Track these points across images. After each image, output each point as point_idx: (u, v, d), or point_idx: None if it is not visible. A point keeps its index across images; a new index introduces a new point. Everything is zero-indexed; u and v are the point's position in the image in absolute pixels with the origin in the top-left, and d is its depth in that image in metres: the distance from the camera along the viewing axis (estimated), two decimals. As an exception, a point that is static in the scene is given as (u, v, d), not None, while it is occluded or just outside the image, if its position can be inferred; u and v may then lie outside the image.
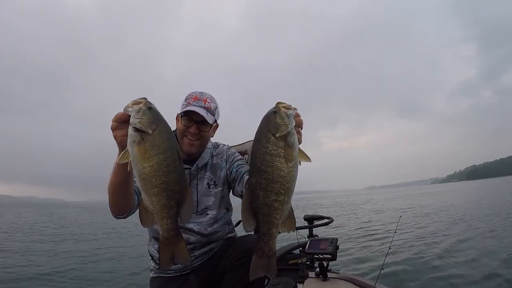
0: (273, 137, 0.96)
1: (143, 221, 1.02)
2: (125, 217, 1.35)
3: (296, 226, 1.13)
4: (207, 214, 1.62)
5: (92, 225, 15.71)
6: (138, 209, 1.26)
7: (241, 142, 2.22)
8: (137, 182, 1.00)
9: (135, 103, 0.99)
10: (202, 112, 1.51)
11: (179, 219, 1.03)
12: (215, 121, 1.63)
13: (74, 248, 8.29)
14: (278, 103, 1.01)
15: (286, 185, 0.97)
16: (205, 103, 1.56)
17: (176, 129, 1.63)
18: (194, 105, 1.54)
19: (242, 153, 1.98)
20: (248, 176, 1.45)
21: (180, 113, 1.57)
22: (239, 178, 1.56)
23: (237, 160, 1.68)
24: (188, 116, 1.54)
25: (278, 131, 0.96)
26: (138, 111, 0.96)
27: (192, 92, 1.60)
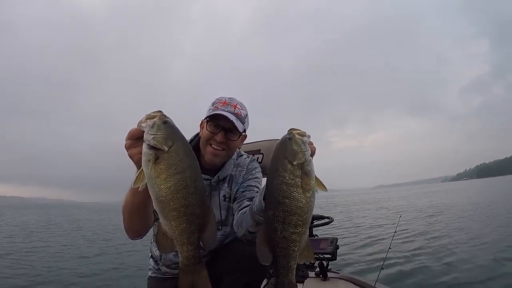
0: (290, 165, 0.92)
1: (161, 247, 0.93)
2: (141, 238, 1.24)
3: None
4: (219, 229, 1.48)
5: (98, 224, 15.80)
6: (153, 228, 1.15)
7: (254, 140, 2.10)
8: (154, 205, 0.90)
9: (149, 117, 0.89)
10: (231, 117, 1.35)
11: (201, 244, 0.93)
12: (245, 130, 1.46)
13: (74, 246, 8.35)
14: (292, 129, 0.97)
15: (304, 216, 0.92)
16: (235, 109, 1.40)
17: (198, 135, 1.49)
18: (223, 110, 1.37)
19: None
20: (244, 205, 1.35)
21: (205, 118, 1.40)
22: (238, 200, 1.43)
23: (251, 179, 1.49)
24: (214, 122, 1.38)
25: (296, 158, 0.92)
26: (152, 126, 0.87)
27: (220, 97, 1.44)
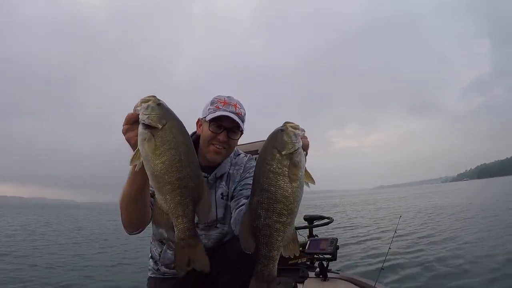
0: (278, 155, 0.93)
1: (157, 222, 0.96)
2: (139, 232, 1.24)
3: (296, 226, 1.11)
4: (217, 227, 1.50)
5: (98, 224, 15.84)
6: (151, 220, 1.17)
7: (253, 141, 2.12)
8: (150, 182, 0.95)
9: (144, 101, 0.95)
10: (236, 118, 1.39)
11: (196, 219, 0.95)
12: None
13: (74, 245, 8.36)
14: (286, 122, 0.99)
15: (289, 206, 0.93)
16: (235, 108, 1.43)
17: (195, 133, 1.52)
18: (225, 110, 1.40)
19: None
20: (242, 203, 1.35)
21: (208, 119, 1.42)
22: (236, 198, 1.45)
23: (248, 178, 1.50)
24: (217, 122, 1.41)
25: (285, 148, 0.93)
26: (147, 108, 0.93)
27: (219, 96, 1.46)
